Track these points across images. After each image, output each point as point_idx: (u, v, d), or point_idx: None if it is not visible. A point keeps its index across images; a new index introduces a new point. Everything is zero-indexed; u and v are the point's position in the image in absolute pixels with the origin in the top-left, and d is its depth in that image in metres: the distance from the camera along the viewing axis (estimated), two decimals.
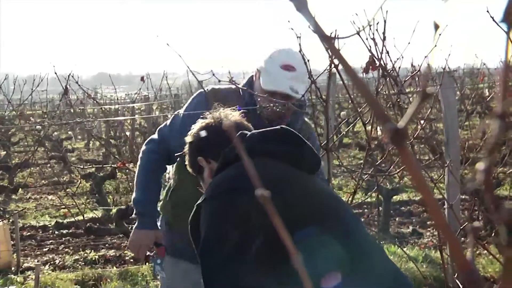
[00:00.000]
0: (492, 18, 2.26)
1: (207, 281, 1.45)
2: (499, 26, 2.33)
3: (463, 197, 5.63)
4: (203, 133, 1.83)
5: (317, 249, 1.41)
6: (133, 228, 2.43)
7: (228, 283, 1.40)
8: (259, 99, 2.32)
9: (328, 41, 0.35)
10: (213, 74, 2.77)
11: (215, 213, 1.50)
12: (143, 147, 2.47)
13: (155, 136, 2.45)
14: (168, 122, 2.45)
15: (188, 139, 1.91)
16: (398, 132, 0.34)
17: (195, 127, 1.91)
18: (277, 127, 1.73)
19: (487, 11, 2.25)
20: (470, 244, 0.37)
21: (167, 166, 2.48)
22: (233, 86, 2.42)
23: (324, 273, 1.37)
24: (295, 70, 2.27)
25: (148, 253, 2.42)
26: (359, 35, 2.10)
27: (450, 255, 3.19)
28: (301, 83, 2.31)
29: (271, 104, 2.31)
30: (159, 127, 2.48)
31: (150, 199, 2.40)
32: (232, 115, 1.88)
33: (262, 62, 2.36)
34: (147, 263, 2.74)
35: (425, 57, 2.66)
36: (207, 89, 2.42)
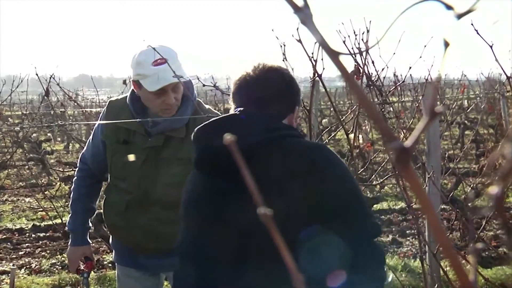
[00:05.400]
0: (476, 31, 2.28)
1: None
2: (482, 38, 2.36)
3: (443, 206, 5.68)
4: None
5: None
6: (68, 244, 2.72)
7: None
8: (152, 103, 2.38)
9: (334, 56, 0.34)
10: (198, 79, 2.76)
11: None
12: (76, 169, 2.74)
13: (79, 160, 2.70)
14: (85, 146, 2.69)
15: None
16: (404, 151, 0.33)
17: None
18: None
19: (471, 24, 2.27)
20: (473, 265, 0.36)
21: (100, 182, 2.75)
22: (128, 96, 2.50)
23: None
24: (165, 60, 2.29)
25: (81, 267, 2.73)
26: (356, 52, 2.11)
27: (454, 273, 3.20)
28: (178, 67, 2.32)
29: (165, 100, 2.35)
30: (82, 153, 2.71)
31: (76, 218, 2.64)
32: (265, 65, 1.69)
33: (132, 72, 2.38)
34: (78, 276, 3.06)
35: (410, 68, 2.68)
36: (107, 103, 2.61)
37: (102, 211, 2.67)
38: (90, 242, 2.71)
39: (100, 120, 2.57)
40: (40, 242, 6.19)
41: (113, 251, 2.73)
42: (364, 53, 2.48)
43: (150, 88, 2.30)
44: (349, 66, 2.66)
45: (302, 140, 1.61)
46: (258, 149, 1.49)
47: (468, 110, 10.58)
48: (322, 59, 2.43)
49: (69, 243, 2.70)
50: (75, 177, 2.68)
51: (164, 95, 2.33)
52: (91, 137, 2.63)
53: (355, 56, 2.43)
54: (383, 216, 6.80)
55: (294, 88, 1.72)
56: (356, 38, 2.44)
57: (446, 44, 0.32)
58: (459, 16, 0.31)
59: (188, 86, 2.46)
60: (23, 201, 8.23)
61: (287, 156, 1.52)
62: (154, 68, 2.27)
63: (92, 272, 4.98)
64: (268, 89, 1.66)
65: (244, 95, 1.66)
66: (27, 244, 6.13)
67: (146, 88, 2.32)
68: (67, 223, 2.69)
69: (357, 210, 1.52)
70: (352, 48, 2.43)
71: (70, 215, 2.67)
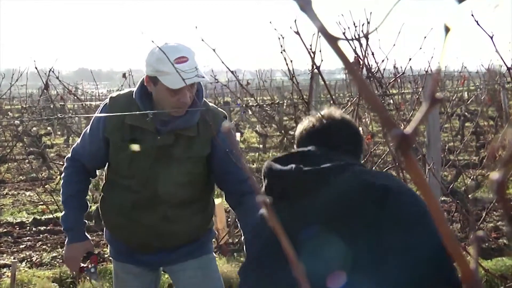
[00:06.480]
0: (477, 22, 2.27)
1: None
2: (482, 29, 2.35)
3: (443, 198, 5.69)
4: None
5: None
6: (65, 244, 2.56)
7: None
8: (165, 100, 2.30)
9: (332, 41, 0.34)
10: (196, 69, 2.75)
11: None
12: (64, 166, 2.61)
13: (69, 154, 2.57)
14: (79, 139, 2.56)
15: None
16: (405, 138, 0.32)
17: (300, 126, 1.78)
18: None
19: (472, 15, 2.26)
20: (475, 255, 0.36)
21: (91, 177, 2.62)
22: (133, 91, 2.40)
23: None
24: (187, 58, 2.24)
25: (82, 264, 2.57)
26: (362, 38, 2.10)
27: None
28: (198, 65, 2.28)
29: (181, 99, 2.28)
30: (73, 146, 2.59)
31: (74, 214, 2.52)
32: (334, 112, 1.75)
33: (149, 67, 2.28)
34: (82, 274, 2.93)
35: (410, 59, 2.67)
36: (108, 99, 2.49)
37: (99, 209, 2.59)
38: (89, 236, 2.60)
39: (102, 116, 2.46)
40: (41, 235, 6.20)
41: (109, 246, 2.67)
42: (363, 44, 2.47)
43: (172, 86, 2.22)
44: (349, 57, 2.65)
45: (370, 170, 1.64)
46: (331, 173, 1.52)
47: (468, 102, 10.58)
48: (320, 51, 2.43)
49: (66, 242, 2.55)
50: (65, 174, 2.56)
51: (180, 93, 2.25)
52: (87, 133, 2.50)
53: (354, 42, 2.42)
54: None
55: (361, 139, 1.77)
56: (356, 30, 2.43)
57: (447, 30, 0.31)
58: (460, 0, 0.31)
59: (198, 86, 2.40)
60: (23, 195, 8.24)
61: (362, 175, 1.53)
62: (176, 66, 2.19)
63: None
64: (336, 139, 1.68)
65: (313, 143, 1.67)
66: (28, 238, 6.13)
67: (167, 86, 2.23)
68: (62, 221, 2.55)
69: (428, 229, 1.48)
70: (352, 39, 2.41)
71: (65, 212, 2.53)
